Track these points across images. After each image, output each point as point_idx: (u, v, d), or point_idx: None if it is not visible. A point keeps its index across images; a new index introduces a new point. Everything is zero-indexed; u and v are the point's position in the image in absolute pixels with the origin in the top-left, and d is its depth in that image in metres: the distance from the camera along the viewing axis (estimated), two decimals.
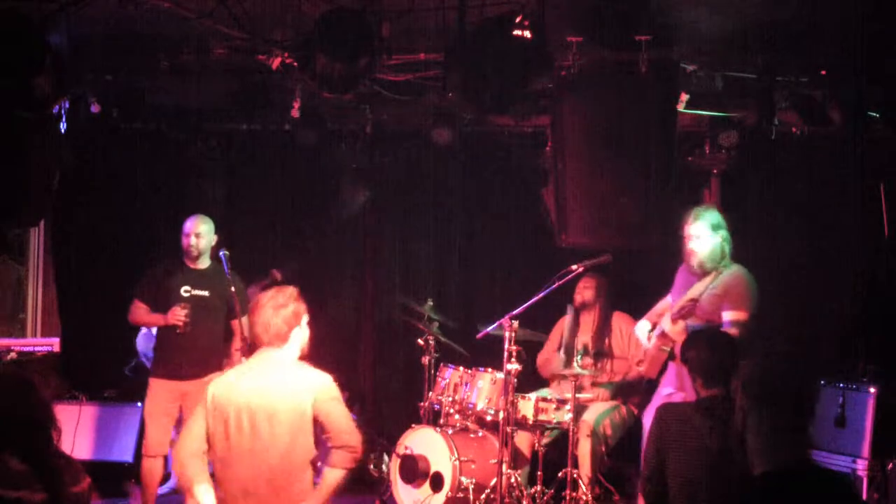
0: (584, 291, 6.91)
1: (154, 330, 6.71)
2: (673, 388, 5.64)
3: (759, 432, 2.95)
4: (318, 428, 4.17)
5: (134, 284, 6.38)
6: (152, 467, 6.14)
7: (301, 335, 4.25)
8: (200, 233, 6.30)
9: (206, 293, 6.29)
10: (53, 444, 3.45)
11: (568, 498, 6.18)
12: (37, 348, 6.94)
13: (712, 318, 5.50)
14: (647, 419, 5.68)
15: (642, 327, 5.95)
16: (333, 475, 4.12)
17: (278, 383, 4.13)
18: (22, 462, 3.31)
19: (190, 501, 4.14)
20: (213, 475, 4.17)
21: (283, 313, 4.18)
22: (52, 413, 3.49)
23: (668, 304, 5.82)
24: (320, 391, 4.15)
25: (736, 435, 3.02)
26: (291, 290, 4.27)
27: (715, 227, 5.52)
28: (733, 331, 5.39)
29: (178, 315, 6.14)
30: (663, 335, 5.63)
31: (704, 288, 5.50)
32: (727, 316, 5.45)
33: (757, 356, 3.98)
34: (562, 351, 6.93)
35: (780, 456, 2.91)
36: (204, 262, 6.36)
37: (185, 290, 6.26)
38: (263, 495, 4.06)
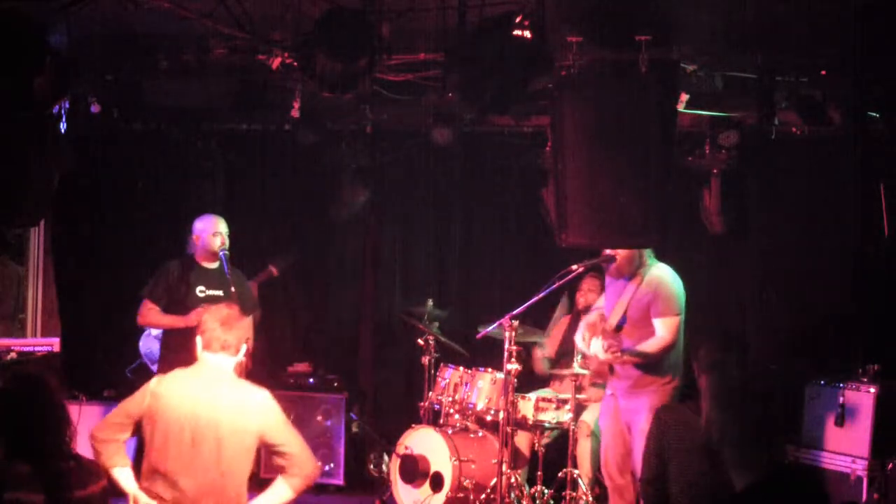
0: (588, 294, 6.91)
1: (157, 331, 6.65)
2: (612, 390, 5.85)
3: (730, 444, 2.85)
4: (267, 451, 4.17)
5: (144, 284, 6.30)
6: None
7: (242, 352, 4.26)
8: (227, 232, 6.26)
9: (220, 293, 6.21)
10: (66, 447, 3.43)
11: (568, 498, 6.18)
12: (37, 348, 6.92)
13: (642, 326, 5.58)
14: (603, 420, 5.81)
15: (579, 339, 6.01)
16: (285, 494, 4.11)
17: (225, 398, 4.11)
18: (27, 463, 3.30)
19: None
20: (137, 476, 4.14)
21: (242, 324, 4.24)
22: (66, 415, 3.48)
23: (600, 310, 5.93)
24: (268, 414, 4.14)
25: (709, 448, 2.91)
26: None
27: None
28: (665, 335, 5.51)
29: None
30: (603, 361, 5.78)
31: (629, 299, 5.61)
32: (657, 323, 5.55)
33: (719, 366, 3.97)
34: (547, 348, 6.99)
35: (755, 468, 2.79)
36: (215, 262, 6.33)
37: (200, 291, 6.20)
38: None
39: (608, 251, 5.77)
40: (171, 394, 4.10)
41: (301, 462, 4.12)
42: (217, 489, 4.04)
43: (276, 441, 4.12)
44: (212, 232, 6.23)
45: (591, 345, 5.75)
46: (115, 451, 4.09)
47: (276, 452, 4.14)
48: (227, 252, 6.26)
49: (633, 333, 5.66)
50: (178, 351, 6.12)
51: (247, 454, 4.10)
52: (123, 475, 4.09)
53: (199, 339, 4.20)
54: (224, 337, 4.15)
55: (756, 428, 2.80)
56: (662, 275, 5.67)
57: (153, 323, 6.37)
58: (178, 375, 4.22)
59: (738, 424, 2.82)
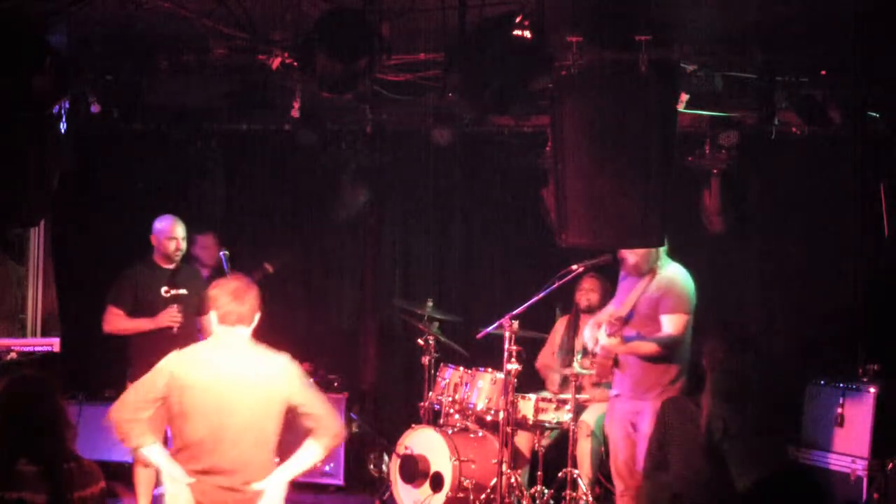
0: (590, 294, 6.90)
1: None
2: (618, 391, 5.82)
3: (734, 437, 2.85)
4: (292, 413, 4.22)
5: (108, 291, 6.34)
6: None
7: (256, 320, 4.30)
8: (184, 236, 6.28)
9: (184, 291, 6.27)
10: (67, 447, 3.46)
11: (568, 498, 6.18)
12: (37, 348, 6.92)
13: (650, 322, 5.57)
14: (609, 423, 5.81)
15: (588, 335, 6.00)
16: (314, 454, 4.22)
17: (247, 366, 4.17)
18: (32, 464, 3.33)
19: (140, 462, 4.12)
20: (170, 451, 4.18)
21: (251, 295, 4.26)
22: (66, 416, 3.51)
23: (611, 310, 5.89)
24: (291, 378, 4.21)
25: (708, 443, 2.90)
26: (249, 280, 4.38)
27: None
28: (671, 331, 5.51)
29: (174, 316, 6.09)
30: (604, 347, 5.75)
31: (639, 294, 5.61)
32: (664, 319, 5.55)
33: (726, 361, 3.98)
34: (558, 355, 6.97)
35: (760, 464, 2.79)
36: (173, 263, 6.34)
37: (164, 291, 6.24)
38: (229, 477, 4.08)
39: (609, 253, 5.78)
40: (191, 368, 4.14)
41: (327, 422, 4.22)
42: (248, 457, 4.11)
43: (301, 402, 4.19)
44: (167, 236, 6.25)
45: (599, 336, 5.74)
46: (142, 430, 4.12)
47: (301, 414, 4.21)
48: (226, 252, 6.29)
49: (640, 328, 5.66)
50: (149, 352, 5.99)
51: (275, 420, 4.17)
52: (155, 452, 4.13)
53: (212, 315, 4.24)
54: (239, 310, 4.20)
55: (759, 424, 2.81)
56: (675, 273, 5.70)
57: (120, 329, 6.36)
58: (196, 349, 4.28)
59: (741, 417, 2.83)
